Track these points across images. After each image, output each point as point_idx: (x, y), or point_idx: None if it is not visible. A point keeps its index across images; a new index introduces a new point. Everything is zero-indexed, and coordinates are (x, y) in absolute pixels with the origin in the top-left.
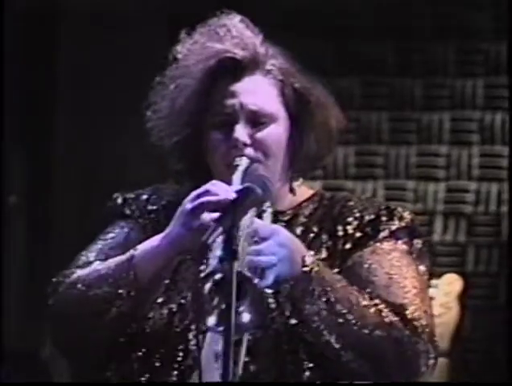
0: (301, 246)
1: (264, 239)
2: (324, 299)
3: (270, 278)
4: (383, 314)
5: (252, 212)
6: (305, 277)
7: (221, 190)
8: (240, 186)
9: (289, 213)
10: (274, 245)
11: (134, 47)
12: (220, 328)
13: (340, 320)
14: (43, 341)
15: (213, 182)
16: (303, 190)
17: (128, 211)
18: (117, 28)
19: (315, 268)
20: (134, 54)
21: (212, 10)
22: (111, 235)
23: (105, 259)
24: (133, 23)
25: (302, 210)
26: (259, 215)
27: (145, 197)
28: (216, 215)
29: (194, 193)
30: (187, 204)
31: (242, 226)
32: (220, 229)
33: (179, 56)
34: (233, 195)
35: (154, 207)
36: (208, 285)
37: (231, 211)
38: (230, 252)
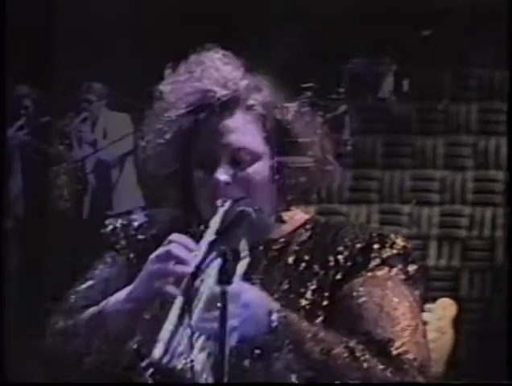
0: (268, 301)
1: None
2: (293, 352)
3: (233, 340)
4: (360, 359)
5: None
6: (272, 333)
7: (184, 253)
8: (210, 240)
9: (281, 241)
10: (236, 307)
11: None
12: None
13: (312, 371)
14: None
15: (176, 238)
16: (298, 216)
17: (115, 242)
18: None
19: (282, 324)
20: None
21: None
22: (96, 273)
23: (88, 303)
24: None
25: (295, 237)
26: (234, 264)
27: (136, 224)
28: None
29: (154, 255)
30: (149, 266)
31: (202, 291)
32: (215, 254)
33: (164, 95)
34: (193, 264)
35: (143, 237)
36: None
37: (226, 236)
38: (225, 277)
